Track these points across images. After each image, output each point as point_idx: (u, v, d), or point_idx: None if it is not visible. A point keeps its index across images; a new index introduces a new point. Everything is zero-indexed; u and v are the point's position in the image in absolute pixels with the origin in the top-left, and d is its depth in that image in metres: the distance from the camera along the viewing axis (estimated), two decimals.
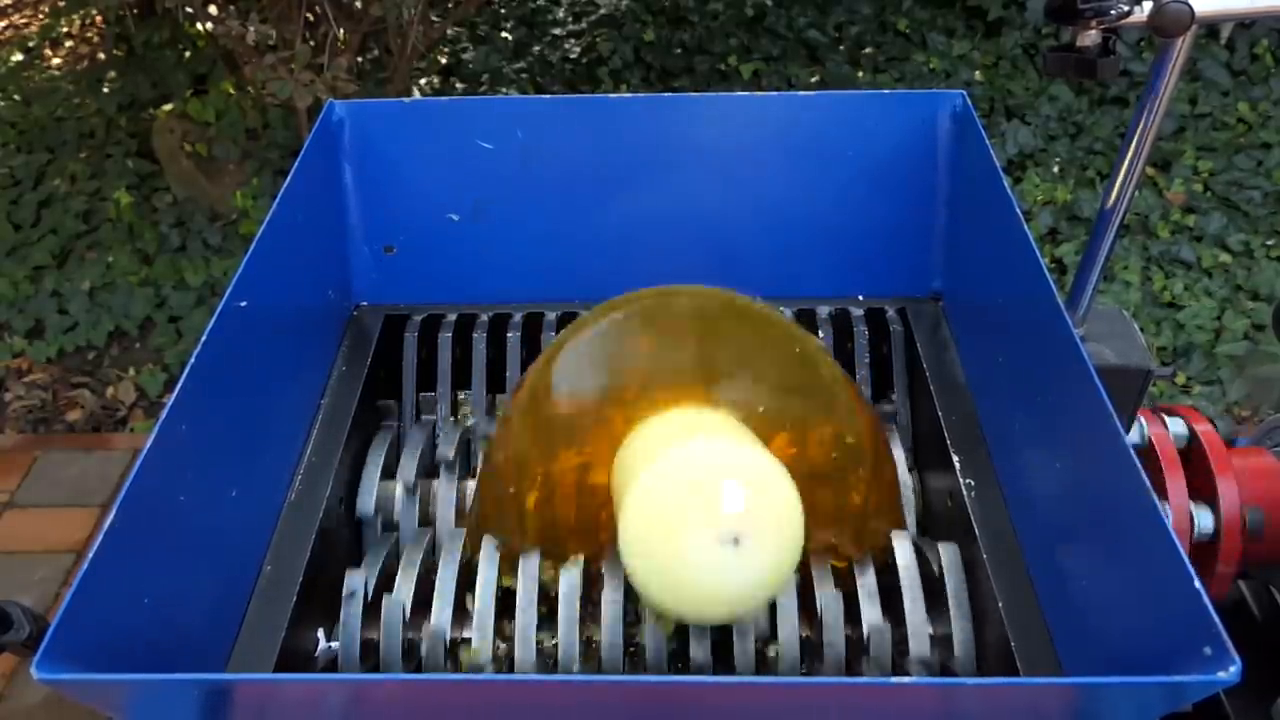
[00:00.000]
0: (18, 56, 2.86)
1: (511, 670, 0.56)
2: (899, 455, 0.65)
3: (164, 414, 0.50)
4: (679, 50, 2.58)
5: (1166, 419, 0.76)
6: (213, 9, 1.94)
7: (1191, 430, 0.75)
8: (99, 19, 2.77)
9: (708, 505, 0.46)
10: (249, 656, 0.54)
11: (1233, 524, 0.69)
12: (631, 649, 0.58)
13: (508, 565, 0.59)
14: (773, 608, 0.57)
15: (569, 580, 0.57)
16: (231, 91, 2.28)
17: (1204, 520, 0.70)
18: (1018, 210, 0.60)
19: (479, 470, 0.66)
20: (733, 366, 0.56)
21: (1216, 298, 1.94)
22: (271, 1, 1.82)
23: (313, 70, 1.74)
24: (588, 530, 0.59)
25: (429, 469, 0.69)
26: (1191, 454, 0.75)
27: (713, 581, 0.46)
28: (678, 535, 0.46)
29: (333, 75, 1.74)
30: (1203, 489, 0.72)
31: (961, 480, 0.61)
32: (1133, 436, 0.75)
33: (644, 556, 0.47)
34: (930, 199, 0.74)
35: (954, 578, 0.57)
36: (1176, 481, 0.71)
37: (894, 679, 0.53)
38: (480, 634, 0.57)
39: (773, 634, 0.57)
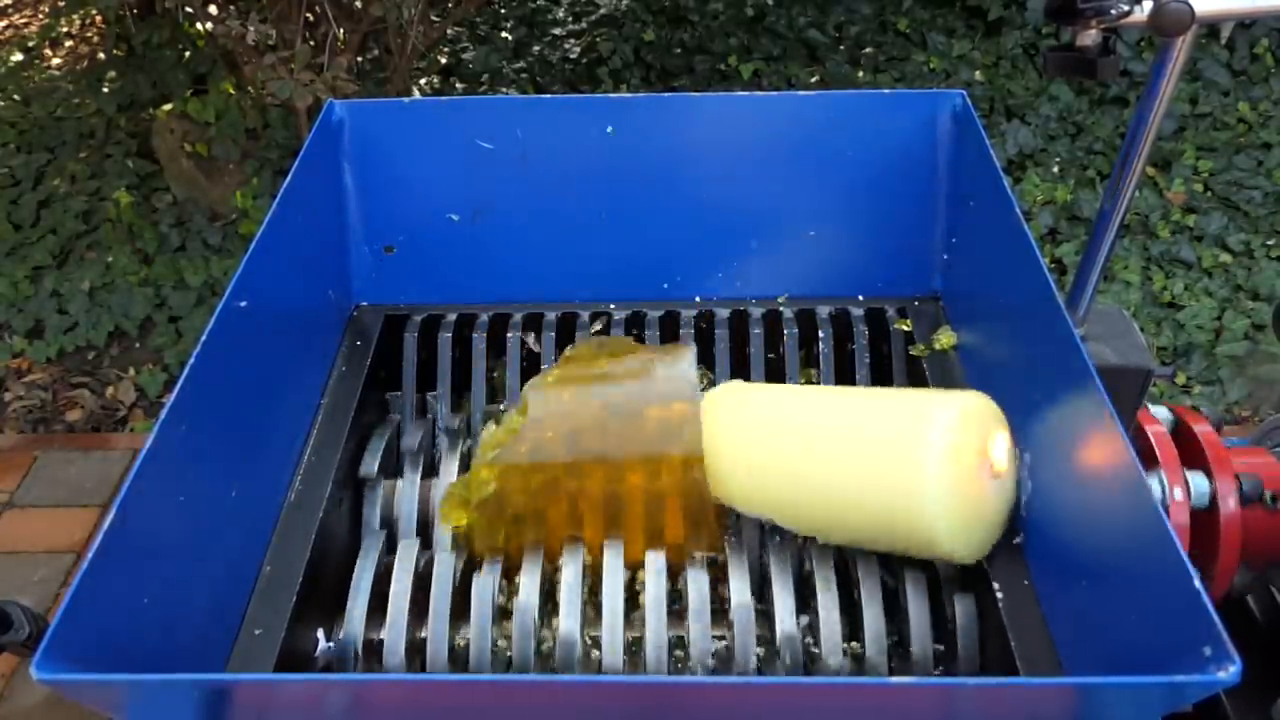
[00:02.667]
0: (17, 56, 2.86)
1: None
2: None
3: (164, 414, 0.50)
4: (679, 50, 2.58)
5: (1155, 410, 0.77)
6: (213, 9, 1.94)
7: (1185, 425, 0.75)
8: (99, 19, 2.77)
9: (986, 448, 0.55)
10: (249, 656, 0.54)
11: (1229, 499, 0.68)
12: (633, 649, 0.58)
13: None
14: (772, 607, 0.57)
15: (572, 570, 0.57)
16: (231, 91, 2.28)
17: (1199, 483, 0.70)
18: (1018, 210, 0.60)
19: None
20: None
21: (1217, 298, 1.94)
22: (271, 1, 1.82)
23: (313, 70, 1.74)
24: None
25: (428, 469, 0.69)
26: (1189, 453, 0.75)
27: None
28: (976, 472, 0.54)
29: (333, 75, 1.74)
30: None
31: None
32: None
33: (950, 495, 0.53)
34: (930, 199, 0.74)
35: (961, 595, 0.57)
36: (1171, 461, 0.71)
37: (894, 679, 0.53)
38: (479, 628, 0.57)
39: (771, 635, 0.57)
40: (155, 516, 0.49)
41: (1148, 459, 0.72)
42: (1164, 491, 0.69)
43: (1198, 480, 0.70)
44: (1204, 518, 0.70)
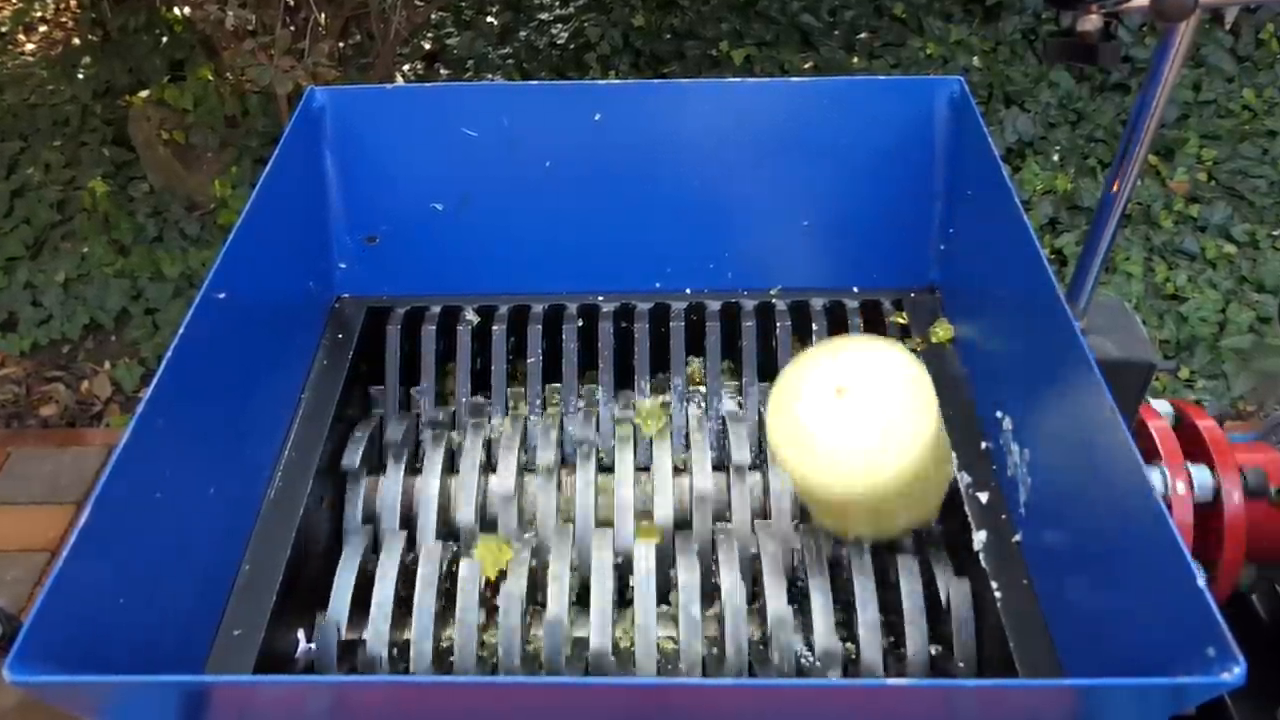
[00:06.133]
0: None
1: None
2: None
3: (140, 409, 0.48)
4: (669, 35, 2.55)
5: (1156, 404, 0.76)
6: None
7: (1187, 419, 0.74)
8: (74, 3, 2.72)
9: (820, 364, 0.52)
10: (227, 658, 0.52)
11: (1234, 494, 0.67)
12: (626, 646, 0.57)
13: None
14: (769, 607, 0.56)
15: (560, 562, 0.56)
16: (210, 78, 2.25)
17: (1201, 476, 0.69)
18: (1017, 200, 0.59)
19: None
20: None
21: (1221, 290, 1.92)
22: None
23: (293, 56, 1.71)
24: None
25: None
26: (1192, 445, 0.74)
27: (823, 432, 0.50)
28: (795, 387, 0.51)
29: (314, 61, 1.72)
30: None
31: (959, 476, 0.60)
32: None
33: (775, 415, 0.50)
34: (927, 188, 0.73)
35: (959, 594, 0.56)
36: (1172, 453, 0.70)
37: (892, 681, 0.52)
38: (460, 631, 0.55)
39: (767, 636, 0.56)
40: (131, 514, 0.48)
41: (1149, 452, 0.71)
42: (1166, 485, 0.68)
43: (1200, 473, 0.69)
44: (1208, 513, 0.69)
